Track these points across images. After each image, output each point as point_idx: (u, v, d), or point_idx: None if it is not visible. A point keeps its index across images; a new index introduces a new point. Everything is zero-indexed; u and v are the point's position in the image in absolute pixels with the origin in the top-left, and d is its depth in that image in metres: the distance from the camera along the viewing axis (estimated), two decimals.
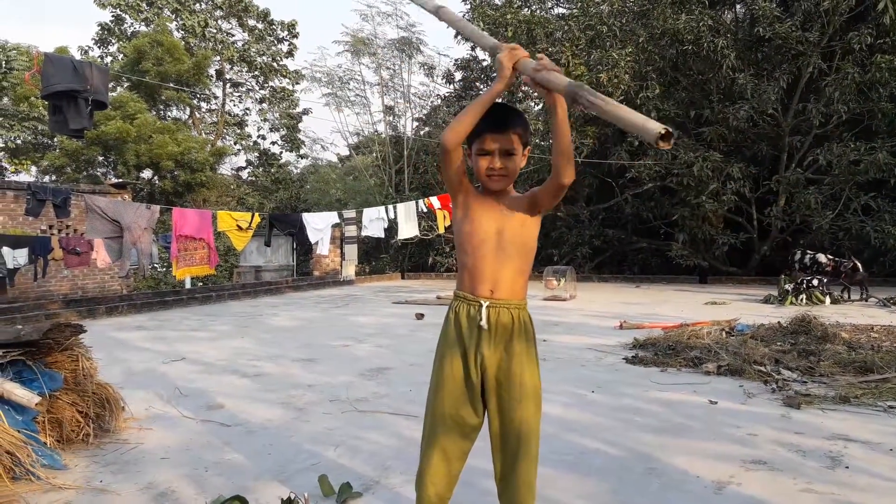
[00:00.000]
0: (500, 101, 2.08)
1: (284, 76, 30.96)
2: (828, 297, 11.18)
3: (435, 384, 2.14)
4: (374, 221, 13.03)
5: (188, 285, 14.67)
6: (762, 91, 14.49)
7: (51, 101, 6.83)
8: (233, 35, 29.71)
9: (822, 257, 11.75)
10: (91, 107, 6.77)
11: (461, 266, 2.14)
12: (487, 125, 2.03)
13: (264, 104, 31.34)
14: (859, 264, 11.70)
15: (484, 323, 2.05)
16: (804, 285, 11.40)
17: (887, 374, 5.03)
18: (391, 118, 25.60)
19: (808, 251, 12.12)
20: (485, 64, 23.23)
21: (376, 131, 25.61)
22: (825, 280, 11.40)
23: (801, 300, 11.18)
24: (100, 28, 27.72)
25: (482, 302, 2.07)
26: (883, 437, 3.64)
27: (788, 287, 11.56)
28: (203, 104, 29.51)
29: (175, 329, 9.08)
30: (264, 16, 29.75)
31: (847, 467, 3.17)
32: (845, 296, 11.69)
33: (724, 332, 7.17)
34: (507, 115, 2.07)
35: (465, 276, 2.13)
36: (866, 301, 11.41)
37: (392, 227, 13.67)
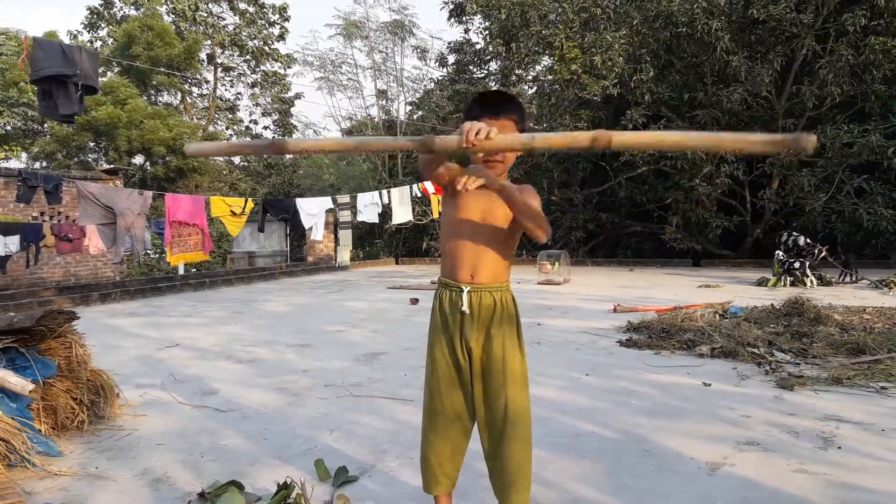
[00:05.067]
0: (495, 88, 2.11)
1: (276, 60, 30.74)
2: (808, 279, 11.21)
3: (429, 371, 2.20)
4: (368, 206, 12.99)
5: (181, 271, 14.63)
6: (756, 73, 14.46)
7: (40, 86, 6.76)
8: (224, 19, 29.45)
9: (801, 240, 11.77)
10: (81, 92, 6.70)
11: (443, 251, 2.18)
12: (484, 110, 2.04)
13: (256, 88, 31.14)
14: (825, 253, 11.71)
15: (466, 308, 2.08)
16: (787, 267, 11.44)
17: (879, 355, 5.06)
18: (384, 102, 25.49)
19: (794, 233, 12.12)
20: (478, 47, 23.08)
21: (369, 115, 25.51)
22: (807, 262, 11.41)
23: (786, 282, 11.24)
24: (89, 12, 27.41)
25: (463, 287, 2.09)
26: (875, 418, 3.67)
27: (776, 270, 11.63)
28: (194, 89, 29.30)
29: (169, 315, 9.06)
30: None
31: (839, 448, 3.20)
32: (836, 278, 11.75)
33: (717, 315, 7.20)
34: (503, 101, 2.09)
35: (446, 262, 2.17)
36: (847, 283, 11.52)
37: (386, 212, 13.64)
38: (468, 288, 2.09)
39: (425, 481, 2.24)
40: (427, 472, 2.22)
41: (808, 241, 11.84)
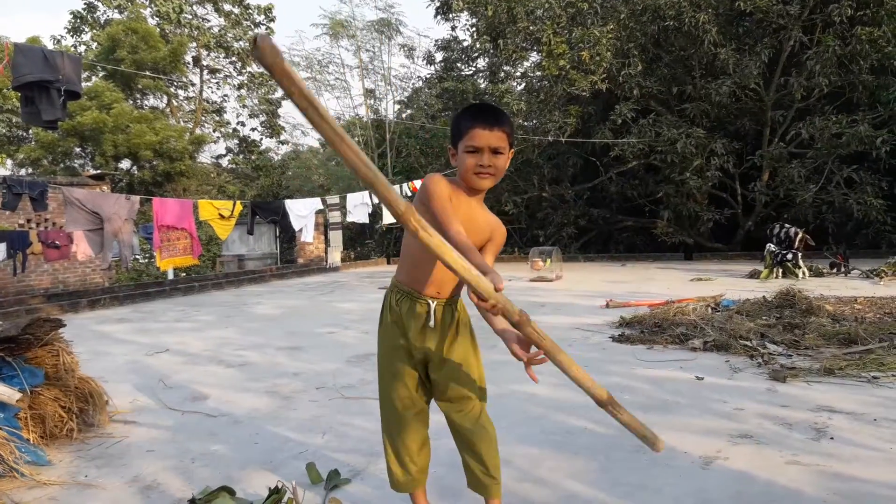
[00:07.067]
0: (483, 85, 2.09)
1: None
2: (800, 270, 11.24)
3: (383, 371, 2.23)
4: (358, 207, 12.95)
5: (171, 276, 14.54)
6: (744, 66, 14.50)
7: (22, 93, 6.70)
8: (208, 21, 29.29)
9: (792, 231, 11.82)
10: (64, 97, 6.63)
11: (412, 260, 2.12)
12: (478, 121, 2.00)
13: (242, 90, 30.98)
14: (801, 235, 11.74)
15: (432, 323, 2.10)
16: (779, 259, 11.50)
17: (871, 345, 5.08)
18: (372, 101, 25.43)
19: (786, 225, 12.17)
20: (465, 44, 23.05)
21: (357, 115, 25.45)
22: (799, 254, 11.46)
23: (778, 274, 11.30)
24: (72, 16, 27.19)
25: (430, 301, 2.10)
26: (867, 408, 3.68)
27: (767, 262, 11.67)
28: (180, 92, 29.13)
29: (158, 320, 9.00)
30: (240, 0, 29.32)
31: (832, 438, 3.20)
32: (834, 270, 11.78)
33: (709, 308, 7.21)
34: (497, 113, 2.06)
35: (413, 272, 2.12)
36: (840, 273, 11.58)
37: (376, 212, 13.60)
38: (435, 303, 2.10)
39: (402, 482, 2.28)
40: (403, 473, 2.26)
41: (787, 225, 11.95)
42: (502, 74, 21.15)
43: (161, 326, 8.38)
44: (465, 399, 2.18)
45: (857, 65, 14.02)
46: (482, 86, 21.84)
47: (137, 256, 14.76)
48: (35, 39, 21.39)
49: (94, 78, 24.03)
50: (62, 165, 22.66)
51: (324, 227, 17.77)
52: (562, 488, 2.73)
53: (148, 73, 22.48)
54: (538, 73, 18.82)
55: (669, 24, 15.28)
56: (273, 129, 31.44)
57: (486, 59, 22.53)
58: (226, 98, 31.32)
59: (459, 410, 2.18)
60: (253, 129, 31.97)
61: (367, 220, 13.43)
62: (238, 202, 11.17)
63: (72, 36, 27.56)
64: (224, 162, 31.34)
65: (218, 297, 12.08)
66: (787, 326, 5.91)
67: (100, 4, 27.11)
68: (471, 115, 2.04)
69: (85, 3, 27.03)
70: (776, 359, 4.94)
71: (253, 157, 30.45)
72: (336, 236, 13.58)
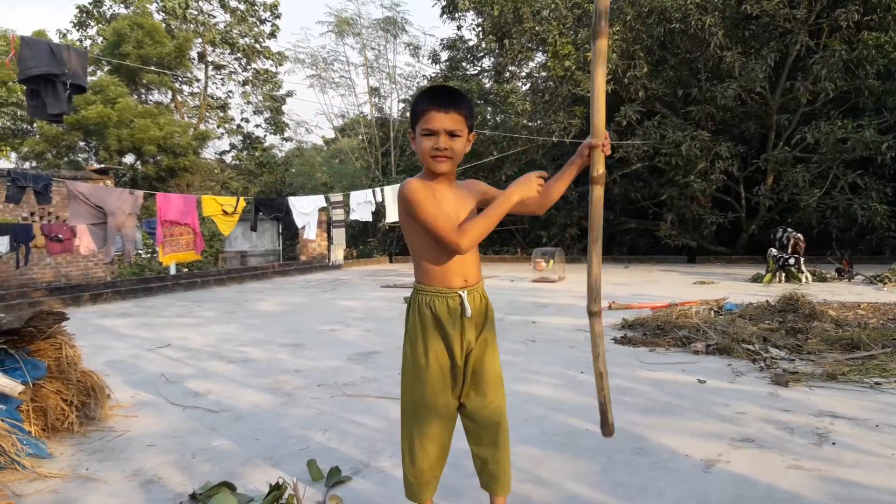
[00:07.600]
0: (445, 83, 2.06)
1: (267, 58, 30.63)
2: (803, 275, 11.22)
3: (416, 374, 2.12)
4: (361, 205, 12.92)
5: (173, 271, 14.56)
6: (750, 69, 14.47)
7: (28, 86, 6.68)
8: (214, 17, 29.31)
9: (792, 235, 11.78)
10: (69, 91, 6.62)
11: (429, 259, 2.09)
12: (433, 103, 1.97)
13: (247, 86, 31.01)
14: (793, 240, 11.70)
15: (469, 313, 2.07)
16: (781, 263, 11.47)
17: (874, 350, 5.07)
18: (377, 99, 25.42)
19: (788, 229, 12.14)
20: (471, 44, 23.04)
21: (362, 113, 25.44)
22: (801, 258, 11.44)
23: (781, 278, 11.28)
24: (78, 10, 27.24)
25: (461, 293, 2.07)
26: (869, 414, 3.67)
27: (770, 266, 11.64)
28: (185, 87, 29.15)
29: (160, 315, 9.01)
30: None
31: (834, 444, 3.19)
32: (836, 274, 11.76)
33: (712, 312, 7.20)
34: (453, 96, 2.01)
35: (435, 270, 2.09)
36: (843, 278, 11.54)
37: (379, 211, 13.58)
38: (465, 293, 2.07)
39: (415, 491, 2.18)
40: (419, 481, 2.16)
41: (789, 230, 11.92)
42: (507, 74, 21.14)
43: (163, 321, 8.39)
44: (495, 388, 2.14)
45: (864, 70, 13.98)
46: (487, 85, 21.82)
47: (140, 251, 14.79)
48: (41, 33, 21.42)
49: (99, 72, 24.06)
50: (66, 159, 22.70)
51: (327, 225, 17.76)
52: (563, 489, 2.73)
53: (153, 68, 22.50)
54: (543, 74, 18.81)
55: (675, 26, 15.26)
56: (277, 125, 31.44)
57: (492, 59, 22.52)
58: (230, 94, 31.40)
59: (491, 402, 2.12)
60: (257, 126, 32.03)
61: (370, 219, 13.40)
62: (241, 198, 11.17)
63: (77, 30, 27.61)
64: (228, 158, 31.36)
65: (220, 293, 12.09)
66: (790, 331, 5.90)
67: None
68: (427, 97, 2.00)
69: None
70: (778, 363, 4.92)
71: (257, 154, 30.46)
72: (339, 234, 13.56)
